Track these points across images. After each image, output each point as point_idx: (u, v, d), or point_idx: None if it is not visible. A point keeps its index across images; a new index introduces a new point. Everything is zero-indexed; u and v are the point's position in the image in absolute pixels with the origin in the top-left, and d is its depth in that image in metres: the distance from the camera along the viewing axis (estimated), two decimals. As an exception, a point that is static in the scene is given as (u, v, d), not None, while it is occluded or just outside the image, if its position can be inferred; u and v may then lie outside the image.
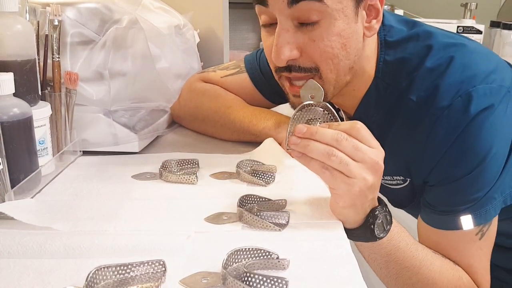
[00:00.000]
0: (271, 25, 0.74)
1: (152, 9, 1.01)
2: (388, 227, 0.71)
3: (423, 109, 0.76)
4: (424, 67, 0.77)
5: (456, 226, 0.79)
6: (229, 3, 1.32)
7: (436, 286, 0.78)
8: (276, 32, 0.71)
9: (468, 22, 2.09)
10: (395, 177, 0.87)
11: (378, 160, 0.64)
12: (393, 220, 0.72)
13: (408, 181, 0.86)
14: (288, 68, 0.74)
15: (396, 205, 0.96)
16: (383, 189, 0.91)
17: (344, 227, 0.66)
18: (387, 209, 0.71)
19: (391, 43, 0.81)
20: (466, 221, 0.78)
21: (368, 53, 0.79)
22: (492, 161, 0.75)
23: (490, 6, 2.49)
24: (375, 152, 0.63)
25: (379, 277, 0.82)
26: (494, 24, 2.15)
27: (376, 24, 0.76)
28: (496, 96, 0.74)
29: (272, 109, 1.01)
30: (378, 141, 0.67)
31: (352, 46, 0.74)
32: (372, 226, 0.68)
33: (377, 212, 0.68)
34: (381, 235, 0.70)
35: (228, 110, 0.97)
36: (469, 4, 2.24)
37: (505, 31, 2.00)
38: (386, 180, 0.88)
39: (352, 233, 0.69)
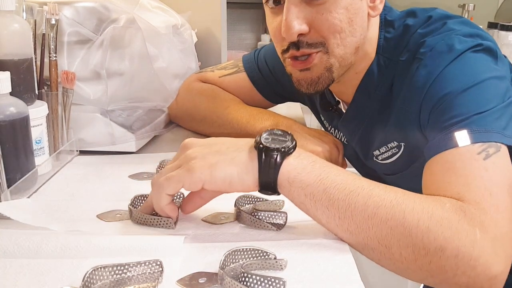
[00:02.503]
0: (277, 4, 0.76)
1: (150, 9, 1.01)
2: (288, 137, 0.60)
3: (411, 63, 0.77)
4: (417, 32, 0.79)
5: (451, 144, 0.66)
6: (227, 3, 1.32)
7: (406, 212, 0.57)
8: (285, 7, 0.73)
9: (466, 23, 2.09)
10: (389, 145, 0.84)
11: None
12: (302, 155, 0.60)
13: (402, 148, 0.83)
14: (297, 45, 0.75)
15: (390, 173, 0.90)
16: (377, 166, 0.90)
17: (261, 185, 0.59)
18: (268, 130, 0.61)
19: (391, 22, 0.83)
20: (461, 136, 0.66)
21: (371, 35, 0.81)
22: (489, 84, 0.70)
23: (488, 7, 2.50)
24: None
25: (340, 235, 0.59)
26: (492, 25, 2.15)
27: (380, 4, 0.79)
28: (485, 45, 0.73)
29: (270, 109, 1.01)
30: (383, 115, 0.69)
31: (358, 23, 0.76)
32: (263, 148, 0.58)
33: (257, 138, 0.59)
34: (286, 145, 0.58)
35: (226, 111, 0.97)
36: (466, 5, 2.25)
37: (503, 32, 2.01)
38: (381, 152, 0.87)
39: (263, 178, 0.58)
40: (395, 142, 0.83)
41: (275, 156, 0.58)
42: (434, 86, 0.72)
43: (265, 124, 0.92)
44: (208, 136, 0.99)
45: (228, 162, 0.58)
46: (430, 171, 0.68)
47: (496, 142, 0.65)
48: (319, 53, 0.76)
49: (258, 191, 0.60)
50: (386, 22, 0.83)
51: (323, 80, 0.78)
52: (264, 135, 0.60)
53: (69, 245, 0.56)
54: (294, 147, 0.59)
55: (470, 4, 2.24)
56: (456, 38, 0.74)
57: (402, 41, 0.81)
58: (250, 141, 0.60)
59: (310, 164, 0.59)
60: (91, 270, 0.48)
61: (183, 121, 1.06)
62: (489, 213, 0.58)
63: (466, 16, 2.22)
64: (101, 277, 0.49)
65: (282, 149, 0.58)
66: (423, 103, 0.73)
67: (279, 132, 0.61)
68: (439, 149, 0.67)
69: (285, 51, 0.78)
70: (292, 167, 0.58)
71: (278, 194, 0.60)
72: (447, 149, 0.66)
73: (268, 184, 0.58)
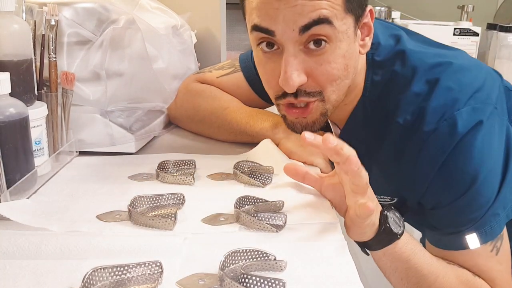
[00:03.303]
0: (271, 48, 0.73)
1: (150, 10, 1.01)
2: (402, 223, 0.74)
3: (410, 133, 0.77)
4: (410, 91, 0.78)
5: (462, 246, 0.80)
6: (226, 4, 1.32)
7: None
8: (284, 59, 0.71)
9: (465, 25, 2.10)
10: (382, 196, 0.87)
11: None
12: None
13: (395, 200, 0.87)
14: (294, 94, 0.73)
15: None
16: None
17: (365, 243, 0.72)
18: (392, 207, 0.74)
19: (379, 63, 0.82)
20: (472, 240, 0.79)
21: (359, 68, 0.80)
22: (488, 179, 0.76)
23: (487, 9, 2.50)
24: None
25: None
26: (491, 27, 2.15)
27: (369, 41, 0.78)
28: (482, 114, 0.75)
29: (268, 109, 1.01)
30: (367, 160, 0.69)
31: (352, 65, 0.75)
32: (387, 225, 0.72)
33: (386, 211, 0.72)
34: (399, 230, 0.73)
35: (225, 111, 0.97)
36: (466, 6, 2.25)
37: (502, 34, 2.01)
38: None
39: (373, 244, 0.73)
40: (387, 196, 0.88)
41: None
42: (439, 180, 0.77)
43: (264, 125, 0.92)
44: (207, 137, 1.00)
45: None
46: (450, 261, 0.82)
47: (500, 234, 0.80)
48: (316, 102, 0.75)
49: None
50: (374, 63, 0.82)
51: (318, 124, 0.78)
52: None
53: (69, 246, 0.56)
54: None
55: (470, 5, 2.24)
56: (457, 115, 0.74)
57: (390, 90, 0.80)
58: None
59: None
60: (91, 271, 0.48)
61: (182, 122, 1.06)
62: None
63: (465, 18, 2.23)
64: (101, 278, 0.49)
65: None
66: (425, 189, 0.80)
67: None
68: (451, 247, 0.81)
69: (279, 97, 0.76)
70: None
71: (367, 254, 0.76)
72: (459, 250, 0.80)
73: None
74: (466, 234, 0.79)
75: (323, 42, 0.70)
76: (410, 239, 0.76)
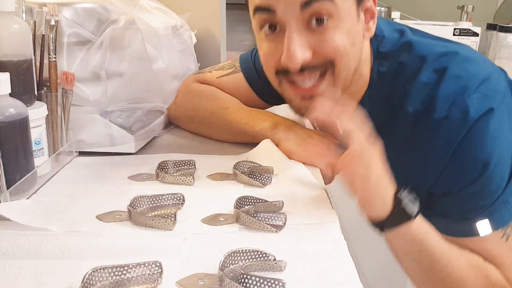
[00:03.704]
0: (274, 30, 0.73)
1: (149, 10, 1.01)
2: (417, 204, 0.73)
3: (420, 122, 0.78)
4: (418, 80, 0.78)
5: (473, 233, 0.80)
6: (226, 4, 1.32)
7: (464, 281, 0.78)
8: (286, 36, 0.71)
9: (465, 25, 2.10)
10: None
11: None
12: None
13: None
14: (300, 69, 0.74)
15: None
16: None
17: (379, 223, 0.71)
18: (407, 189, 0.73)
19: (385, 54, 0.82)
20: (483, 226, 0.79)
21: (364, 57, 0.80)
22: (499, 166, 0.76)
23: (487, 9, 2.51)
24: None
25: (410, 276, 0.82)
26: (491, 27, 2.16)
27: (373, 26, 0.78)
28: (493, 101, 0.75)
29: (268, 109, 1.01)
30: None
31: (358, 45, 0.75)
32: (401, 205, 0.71)
33: (401, 192, 0.71)
34: (415, 210, 0.72)
35: (225, 112, 0.97)
36: (465, 6, 2.25)
37: (502, 34, 2.01)
38: None
39: (387, 223, 0.72)
40: None
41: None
42: (450, 166, 0.78)
43: (264, 125, 0.92)
44: (207, 137, 1.00)
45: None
46: (460, 245, 0.81)
47: (511, 221, 0.80)
48: (326, 80, 0.75)
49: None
50: (379, 54, 0.82)
51: None
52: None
53: (69, 246, 0.56)
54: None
55: (469, 6, 2.24)
56: (469, 101, 0.75)
57: (397, 81, 0.80)
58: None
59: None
60: (91, 271, 0.49)
61: (182, 122, 1.06)
62: None
63: (465, 18, 2.23)
64: (101, 278, 0.49)
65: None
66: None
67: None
68: (462, 233, 0.81)
69: (280, 73, 0.76)
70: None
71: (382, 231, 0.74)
72: (469, 237, 0.81)
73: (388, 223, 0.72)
74: (477, 220, 0.79)
75: (325, 20, 0.70)
76: (424, 221, 0.76)
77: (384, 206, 0.71)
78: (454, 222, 0.82)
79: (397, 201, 0.71)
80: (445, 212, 0.82)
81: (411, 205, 0.72)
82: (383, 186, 0.70)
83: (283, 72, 0.76)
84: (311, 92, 0.76)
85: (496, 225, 0.79)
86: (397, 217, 0.72)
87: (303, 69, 0.74)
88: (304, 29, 0.71)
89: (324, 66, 0.74)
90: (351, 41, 0.73)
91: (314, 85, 0.76)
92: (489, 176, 0.76)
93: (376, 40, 0.81)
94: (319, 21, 0.70)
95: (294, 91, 0.77)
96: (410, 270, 0.80)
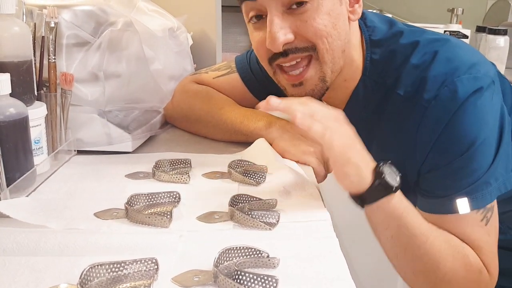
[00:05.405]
0: (259, 19, 0.77)
1: (147, 12, 1.01)
2: (398, 178, 0.73)
3: (411, 102, 0.79)
4: (410, 63, 0.80)
5: (453, 209, 0.79)
6: (222, 6, 1.33)
7: (442, 259, 0.77)
8: (267, 20, 0.74)
9: (455, 27, 2.12)
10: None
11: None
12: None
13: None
14: (285, 53, 0.76)
15: None
16: None
17: (359, 196, 0.72)
18: (388, 162, 0.73)
19: (377, 42, 0.84)
20: (462, 204, 0.78)
21: (354, 41, 0.82)
22: (483, 146, 0.77)
23: (476, 11, 2.52)
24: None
25: (387, 252, 0.81)
26: (480, 29, 2.17)
27: (359, 9, 0.80)
28: (482, 82, 0.76)
29: (263, 109, 1.02)
30: (368, 137, 0.72)
31: (341, 27, 0.77)
32: (383, 177, 0.71)
33: (381, 165, 0.72)
34: (395, 184, 0.72)
35: (220, 111, 0.98)
36: (455, 9, 2.27)
37: (491, 36, 2.02)
38: None
39: (368, 196, 0.72)
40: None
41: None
42: (439, 143, 0.78)
43: (258, 124, 0.93)
44: (202, 136, 1.01)
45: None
46: (439, 226, 0.80)
47: (491, 203, 0.79)
48: (312, 66, 0.77)
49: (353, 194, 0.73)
50: (371, 42, 0.84)
51: (318, 91, 0.80)
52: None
53: (67, 243, 0.57)
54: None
55: (459, 8, 2.26)
56: (458, 82, 0.76)
57: (390, 67, 0.82)
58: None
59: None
60: (88, 267, 0.49)
61: (178, 122, 1.07)
62: (493, 275, 0.81)
63: (455, 21, 2.24)
64: (98, 275, 0.50)
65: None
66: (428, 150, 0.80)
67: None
68: (442, 210, 0.80)
69: (271, 59, 0.78)
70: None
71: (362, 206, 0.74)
72: (449, 214, 0.79)
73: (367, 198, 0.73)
74: (457, 197, 0.79)
75: (304, 2, 0.73)
76: (404, 198, 0.76)
77: (364, 179, 0.71)
78: (436, 198, 0.81)
79: (378, 174, 0.71)
80: (428, 189, 0.82)
81: (392, 178, 0.72)
82: (362, 159, 0.71)
83: (272, 58, 0.78)
84: (299, 78, 0.79)
85: (476, 204, 0.78)
86: (379, 189, 0.72)
87: (287, 52, 0.76)
88: (285, 12, 0.74)
89: (307, 50, 0.77)
90: (333, 23, 0.75)
91: (301, 72, 0.78)
92: (474, 154, 0.76)
93: (368, 30, 0.84)
94: (300, 4, 0.73)
95: (286, 79, 0.79)
96: (388, 246, 0.80)
